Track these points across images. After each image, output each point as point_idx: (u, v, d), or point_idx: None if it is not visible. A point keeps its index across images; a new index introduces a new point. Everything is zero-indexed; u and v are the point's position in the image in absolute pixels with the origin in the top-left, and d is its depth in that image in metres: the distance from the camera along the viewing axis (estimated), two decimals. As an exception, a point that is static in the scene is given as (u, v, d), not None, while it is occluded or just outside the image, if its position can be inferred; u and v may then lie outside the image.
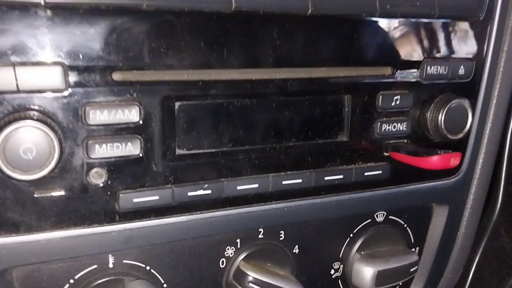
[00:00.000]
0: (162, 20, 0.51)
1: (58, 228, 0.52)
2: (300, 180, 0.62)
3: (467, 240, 0.77)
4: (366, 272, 0.67)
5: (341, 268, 0.71)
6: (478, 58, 0.68)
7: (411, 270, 0.69)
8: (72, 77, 0.49)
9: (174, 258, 0.61)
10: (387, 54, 0.63)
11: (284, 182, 0.61)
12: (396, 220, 0.73)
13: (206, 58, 0.54)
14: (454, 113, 0.65)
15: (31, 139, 0.47)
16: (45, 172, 0.48)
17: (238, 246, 0.64)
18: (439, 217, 0.75)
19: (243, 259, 0.64)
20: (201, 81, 0.55)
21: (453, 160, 0.61)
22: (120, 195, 0.54)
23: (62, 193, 0.51)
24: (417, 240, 0.75)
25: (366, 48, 0.62)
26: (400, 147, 0.65)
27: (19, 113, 0.48)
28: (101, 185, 0.53)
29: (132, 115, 0.52)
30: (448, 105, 0.65)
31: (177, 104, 0.55)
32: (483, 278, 1.98)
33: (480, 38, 0.68)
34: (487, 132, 0.72)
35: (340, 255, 0.70)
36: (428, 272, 0.77)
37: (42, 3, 0.46)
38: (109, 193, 0.53)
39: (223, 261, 0.64)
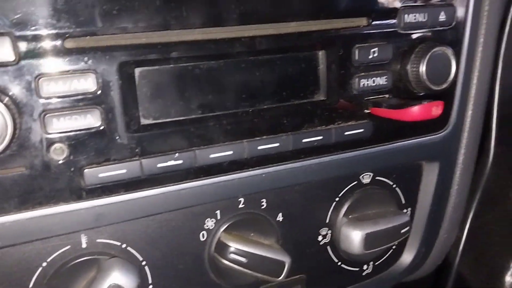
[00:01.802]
0: (113, -21, 0.48)
1: (23, 209, 0.50)
2: (277, 144, 0.59)
3: (460, 197, 0.74)
4: (354, 235, 0.64)
5: (329, 234, 0.68)
6: (460, 2, 0.65)
7: (402, 231, 0.67)
8: (22, 47, 0.46)
9: (151, 234, 0.58)
10: (361, 3, 0.60)
11: (260, 147, 0.58)
12: (384, 180, 0.70)
13: (164, 18, 0.51)
14: (436, 62, 0.62)
15: (-20, 113, 0.44)
16: None
17: (218, 218, 0.61)
18: (430, 175, 0.72)
19: (224, 230, 0.61)
20: (160, 43, 0.51)
21: (435, 109, 0.57)
22: (85, 170, 0.51)
23: (24, 171, 0.49)
24: (408, 201, 0.72)
25: (337, -1, 0.58)
26: (381, 102, 0.62)
27: (-35, 88, 0.45)
28: (64, 161, 0.50)
29: (88, 84, 0.49)
30: (429, 54, 0.61)
31: (137, 71, 0.52)
32: (494, 243, 1.96)
33: (461, -19, 0.64)
34: (475, 81, 0.68)
35: (327, 220, 0.68)
36: (422, 233, 0.74)
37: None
38: (72, 169, 0.51)
39: (203, 234, 0.61)
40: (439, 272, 0.91)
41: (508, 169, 1.91)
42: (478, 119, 0.71)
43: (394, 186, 0.71)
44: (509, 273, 1.96)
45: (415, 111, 0.57)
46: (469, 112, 0.70)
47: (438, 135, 0.68)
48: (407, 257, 0.77)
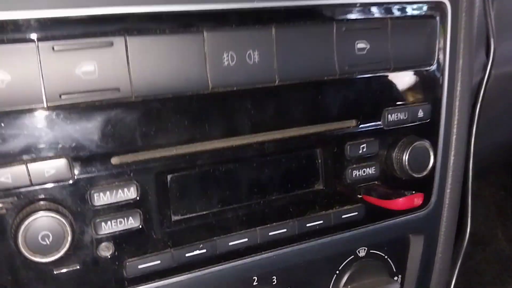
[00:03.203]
0: (149, 107, 0.59)
1: (75, 299, 0.60)
2: (284, 230, 0.69)
3: (444, 264, 0.85)
4: (354, 304, 0.74)
5: (331, 303, 0.78)
6: (435, 102, 0.76)
7: (394, 298, 0.77)
8: (76, 167, 0.57)
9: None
10: (351, 108, 0.71)
11: (270, 233, 0.68)
12: (377, 253, 0.80)
13: (190, 134, 0.62)
14: (416, 153, 0.73)
15: (46, 226, 0.54)
16: (61, 253, 0.55)
17: (236, 295, 0.71)
18: (416, 246, 0.82)
19: (241, 306, 0.71)
20: (188, 154, 0.62)
21: (416, 200, 0.69)
22: (127, 263, 0.61)
23: (77, 267, 0.59)
24: (398, 269, 0.83)
25: (331, 106, 0.69)
26: (371, 189, 0.73)
27: (34, 204, 0.55)
28: (110, 256, 0.60)
29: (131, 192, 0.59)
30: (411, 147, 0.73)
31: (169, 177, 0.62)
32: (486, 282, 2.05)
33: (434, 83, 0.76)
34: (451, 166, 0.80)
35: (330, 291, 0.78)
36: (412, 296, 0.85)
37: (45, 106, 0.54)
38: (117, 262, 0.61)
39: None
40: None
41: (497, 211, 2.02)
42: (455, 196, 0.82)
43: (386, 257, 0.81)
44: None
45: (400, 202, 0.68)
46: (447, 191, 0.81)
47: (421, 213, 0.79)
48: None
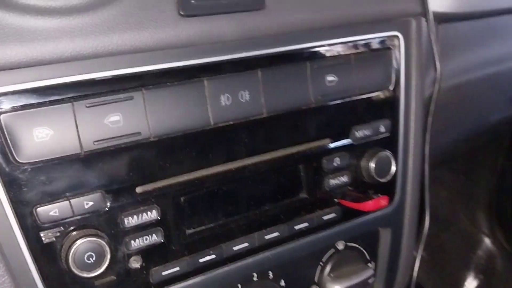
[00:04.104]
0: (164, 144, 0.72)
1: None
2: (277, 233, 0.84)
3: (409, 250, 1.01)
4: (336, 289, 0.90)
5: (318, 289, 0.94)
6: (393, 118, 0.91)
7: (369, 281, 0.93)
8: (109, 198, 0.70)
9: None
10: (325, 129, 0.85)
11: (266, 237, 0.83)
12: (353, 245, 0.96)
13: (197, 162, 0.75)
14: (380, 162, 0.88)
15: (90, 249, 0.67)
16: (103, 268, 0.68)
17: (239, 288, 0.86)
18: (385, 237, 0.98)
19: (242, 297, 0.86)
20: (196, 178, 0.76)
21: (383, 201, 0.85)
22: (152, 272, 0.74)
23: (114, 278, 0.72)
24: (371, 257, 0.98)
25: (309, 129, 0.83)
26: (345, 194, 0.88)
27: (78, 231, 0.68)
28: (139, 267, 0.73)
29: (153, 214, 0.73)
30: (375, 157, 0.88)
31: (182, 198, 0.76)
32: (451, 258, 2.25)
33: (392, 102, 0.91)
34: (410, 171, 0.95)
35: (316, 280, 0.93)
36: (384, 279, 1.01)
37: (82, 152, 0.67)
38: (144, 272, 0.74)
39: None
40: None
41: (458, 195, 2.22)
42: (415, 194, 0.97)
43: (361, 248, 0.97)
44: (466, 283, 2.26)
45: (370, 204, 0.84)
46: (408, 190, 0.96)
47: (387, 210, 0.95)
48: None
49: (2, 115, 0.62)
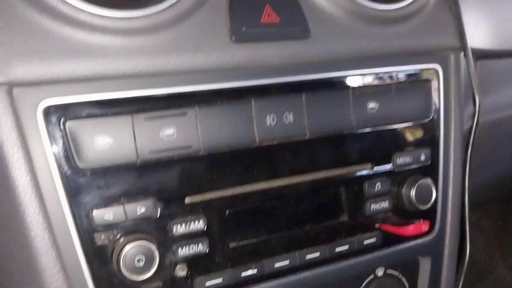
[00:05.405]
0: (213, 159, 0.77)
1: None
2: (318, 253, 0.86)
3: (448, 281, 1.00)
4: (374, 318, 0.90)
5: (356, 316, 0.94)
6: (433, 147, 0.93)
7: (407, 312, 0.93)
8: (160, 206, 0.74)
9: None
10: (366, 154, 0.88)
11: (307, 257, 0.85)
12: (392, 273, 0.96)
13: (243, 178, 0.79)
14: (421, 189, 0.90)
15: (140, 252, 0.71)
16: (151, 272, 0.72)
17: (278, 307, 0.87)
18: (425, 266, 0.98)
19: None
20: (241, 193, 0.80)
21: (424, 226, 0.86)
22: (197, 281, 0.77)
23: (160, 285, 0.76)
24: (410, 286, 0.98)
25: (350, 153, 0.87)
26: (386, 219, 0.90)
27: (129, 235, 0.73)
28: (184, 275, 0.77)
29: (200, 224, 0.77)
30: (416, 185, 0.90)
31: (227, 211, 0.80)
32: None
33: (433, 132, 0.94)
34: (450, 199, 0.96)
35: (354, 306, 0.94)
36: (423, 312, 1.00)
37: (137, 161, 0.72)
38: (189, 280, 0.77)
39: None
40: None
41: (496, 240, 2.15)
42: (456, 223, 0.98)
43: (400, 276, 0.97)
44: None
45: (411, 229, 0.85)
46: (448, 219, 0.97)
47: (427, 238, 0.95)
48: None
49: (67, 123, 0.68)
